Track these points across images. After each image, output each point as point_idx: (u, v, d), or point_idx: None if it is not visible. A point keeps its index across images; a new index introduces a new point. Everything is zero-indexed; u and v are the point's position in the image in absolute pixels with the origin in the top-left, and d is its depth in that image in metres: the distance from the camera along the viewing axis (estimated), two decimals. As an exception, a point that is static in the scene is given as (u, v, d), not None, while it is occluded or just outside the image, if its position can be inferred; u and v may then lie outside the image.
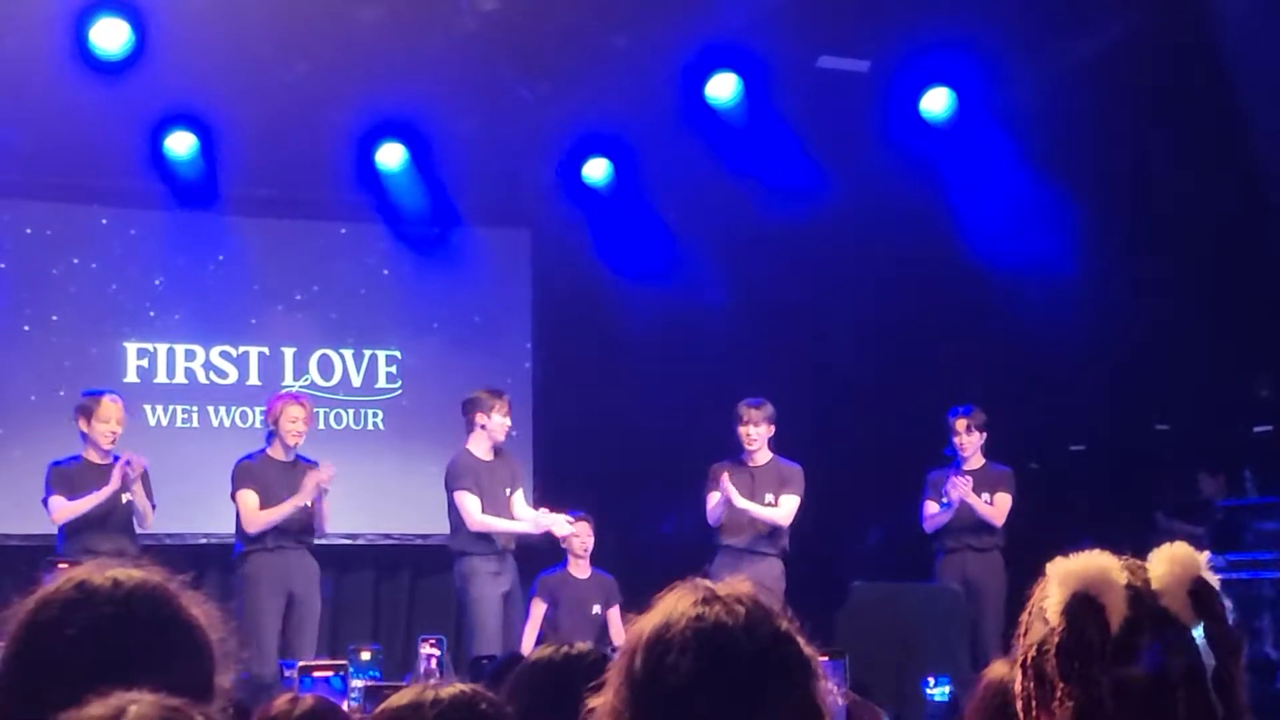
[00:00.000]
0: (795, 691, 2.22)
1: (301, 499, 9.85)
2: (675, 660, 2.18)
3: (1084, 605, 2.41)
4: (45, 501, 9.60)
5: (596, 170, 12.27)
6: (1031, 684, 2.46)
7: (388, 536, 12.23)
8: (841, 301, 12.34)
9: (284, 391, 10.92)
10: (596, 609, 10.44)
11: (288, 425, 9.94)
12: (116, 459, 9.66)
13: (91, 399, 9.78)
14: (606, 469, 12.35)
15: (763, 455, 10.40)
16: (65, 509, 9.49)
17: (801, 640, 2.26)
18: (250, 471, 9.92)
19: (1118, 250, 11.32)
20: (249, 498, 9.83)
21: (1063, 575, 2.46)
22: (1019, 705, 2.48)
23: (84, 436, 9.70)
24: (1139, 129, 11.01)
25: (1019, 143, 11.48)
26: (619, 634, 10.33)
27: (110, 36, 9.91)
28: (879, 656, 8.99)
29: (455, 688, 2.83)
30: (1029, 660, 2.45)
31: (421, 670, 8.52)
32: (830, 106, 11.27)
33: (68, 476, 9.62)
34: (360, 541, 12.10)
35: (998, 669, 3.23)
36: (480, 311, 12.85)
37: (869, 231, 11.96)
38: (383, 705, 2.87)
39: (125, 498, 9.58)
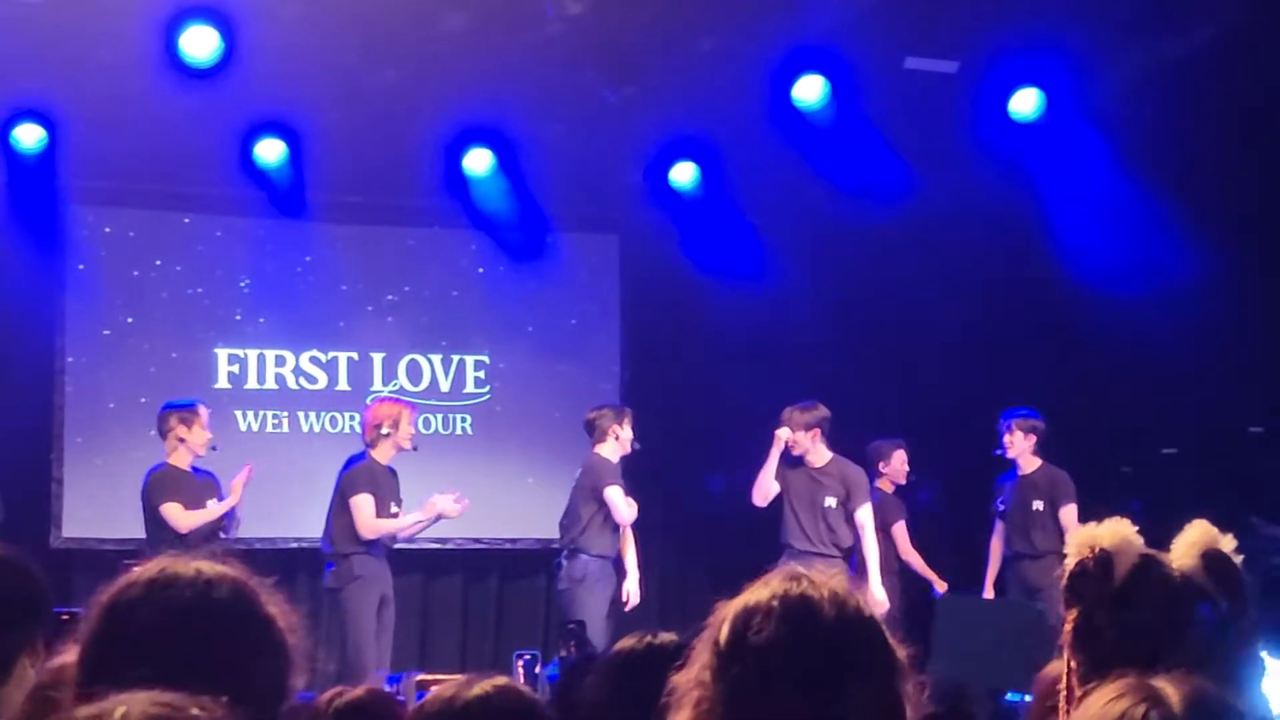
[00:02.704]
0: (876, 673, 2.25)
1: (424, 516, 10.13)
2: (760, 624, 2.24)
3: (1093, 553, 2.76)
4: (157, 508, 9.66)
5: (684, 174, 12.24)
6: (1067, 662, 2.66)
7: (477, 541, 12.27)
8: (931, 303, 12.26)
9: (390, 396, 11.00)
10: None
11: (406, 429, 10.13)
12: (196, 471, 9.86)
13: (189, 410, 9.93)
14: (696, 470, 12.34)
15: (820, 456, 10.47)
16: (189, 517, 9.64)
17: (888, 633, 2.31)
18: (368, 475, 10.04)
19: (1211, 251, 11.17)
20: (368, 502, 9.93)
21: (1081, 538, 2.82)
22: (1060, 690, 2.65)
23: (180, 442, 9.82)
24: (1231, 128, 10.88)
25: (1109, 143, 11.36)
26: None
27: (200, 44, 9.96)
28: (963, 669, 8.96)
29: (490, 683, 2.88)
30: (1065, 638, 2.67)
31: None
32: (918, 108, 11.20)
33: (175, 482, 9.75)
34: (449, 546, 12.14)
35: (1054, 666, 3.24)
36: (569, 316, 12.87)
37: (958, 233, 11.88)
38: (422, 703, 2.92)
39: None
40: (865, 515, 10.40)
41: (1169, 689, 2.02)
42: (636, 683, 3.21)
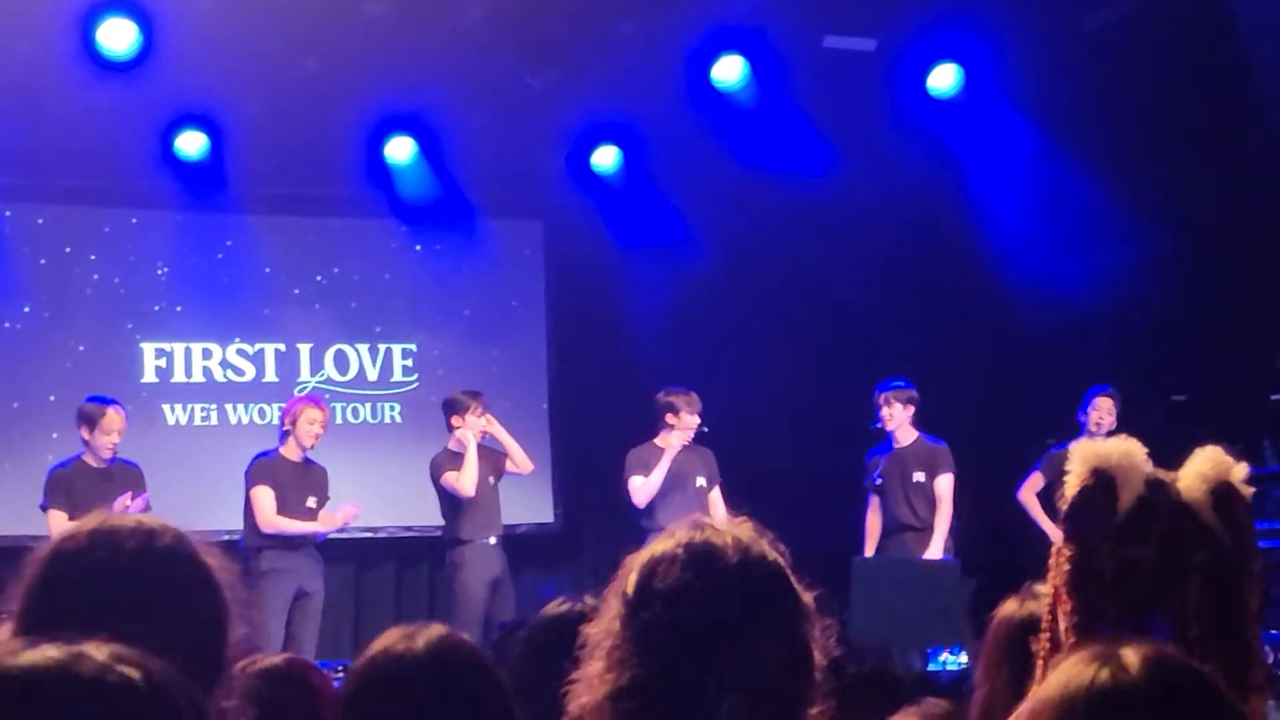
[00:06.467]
0: (782, 616, 2.30)
1: (321, 528, 10.21)
2: (666, 570, 2.29)
3: (1098, 478, 2.46)
4: (44, 508, 9.55)
5: (606, 158, 12.26)
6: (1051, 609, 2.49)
7: (408, 529, 12.24)
8: (854, 281, 12.32)
9: (304, 394, 11.01)
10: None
11: (305, 427, 10.14)
12: (113, 461, 9.72)
13: (96, 407, 9.74)
14: (623, 455, 12.33)
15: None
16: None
17: (793, 578, 2.36)
18: (268, 469, 10.13)
19: (1131, 221, 11.29)
20: (266, 495, 10.02)
21: (1086, 454, 2.50)
22: (1043, 632, 2.50)
23: (85, 443, 9.69)
24: (1149, 100, 10.99)
25: (1028, 117, 11.46)
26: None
27: (118, 37, 9.91)
28: (882, 630, 9.01)
29: (433, 633, 2.92)
30: (1052, 589, 2.48)
31: None
32: (837, 86, 11.26)
33: (67, 483, 9.59)
34: (381, 535, 12.13)
35: (1008, 606, 3.23)
36: (494, 302, 12.85)
37: (880, 209, 11.94)
38: (363, 657, 2.93)
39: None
40: (716, 495, 10.53)
41: (1129, 652, 1.96)
42: (566, 649, 3.23)
